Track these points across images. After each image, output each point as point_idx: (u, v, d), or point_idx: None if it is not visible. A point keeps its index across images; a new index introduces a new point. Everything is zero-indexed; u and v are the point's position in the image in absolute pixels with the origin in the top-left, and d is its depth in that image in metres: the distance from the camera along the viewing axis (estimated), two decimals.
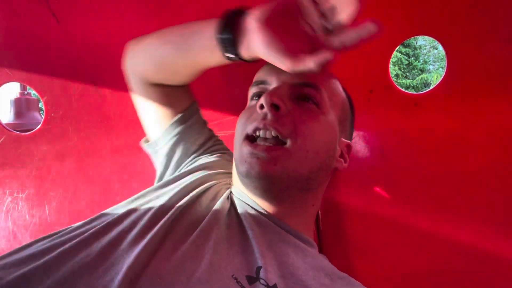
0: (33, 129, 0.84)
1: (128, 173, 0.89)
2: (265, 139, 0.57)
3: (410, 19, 0.84)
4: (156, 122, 0.74)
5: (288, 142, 0.56)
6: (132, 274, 0.44)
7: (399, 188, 0.87)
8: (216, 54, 0.57)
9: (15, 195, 0.84)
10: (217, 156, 0.73)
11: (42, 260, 0.46)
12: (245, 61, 0.56)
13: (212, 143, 0.76)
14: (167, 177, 0.73)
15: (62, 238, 0.51)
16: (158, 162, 0.75)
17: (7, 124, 0.93)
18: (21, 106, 1.47)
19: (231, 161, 0.73)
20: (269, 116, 0.56)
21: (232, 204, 0.62)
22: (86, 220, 0.56)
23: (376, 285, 0.90)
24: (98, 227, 0.52)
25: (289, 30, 0.50)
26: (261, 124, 0.56)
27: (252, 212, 0.59)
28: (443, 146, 0.85)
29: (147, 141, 0.78)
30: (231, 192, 0.65)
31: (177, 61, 0.64)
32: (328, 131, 0.60)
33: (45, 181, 0.85)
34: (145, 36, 0.69)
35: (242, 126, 0.60)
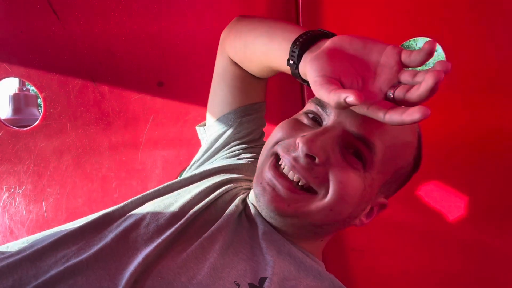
0: (31, 125, 0.84)
1: (126, 170, 0.89)
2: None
3: (410, 21, 0.84)
4: (219, 104, 0.74)
5: (316, 193, 0.52)
6: (139, 274, 0.45)
7: None
8: (284, 58, 0.53)
9: (12, 190, 0.84)
10: (248, 160, 0.70)
11: (63, 251, 0.48)
12: (299, 77, 0.53)
13: (255, 145, 0.74)
14: (200, 163, 0.73)
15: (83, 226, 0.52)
16: (202, 147, 0.76)
17: (5, 120, 0.93)
18: (20, 101, 1.46)
19: None
20: (302, 161, 0.50)
21: (247, 207, 0.60)
22: (106, 211, 0.56)
23: (375, 285, 0.90)
24: (118, 220, 0.53)
25: (353, 68, 0.45)
26: (290, 165, 0.51)
27: (264, 221, 0.57)
28: (442, 147, 0.85)
29: (201, 126, 0.79)
30: (247, 195, 0.63)
31: (256, 48, 0.64)
32: (364, 194, 0.53)
33: (43, 177, 0.85)
34: (245, 17, 0.72)
35: (277, 135, 0.56)
